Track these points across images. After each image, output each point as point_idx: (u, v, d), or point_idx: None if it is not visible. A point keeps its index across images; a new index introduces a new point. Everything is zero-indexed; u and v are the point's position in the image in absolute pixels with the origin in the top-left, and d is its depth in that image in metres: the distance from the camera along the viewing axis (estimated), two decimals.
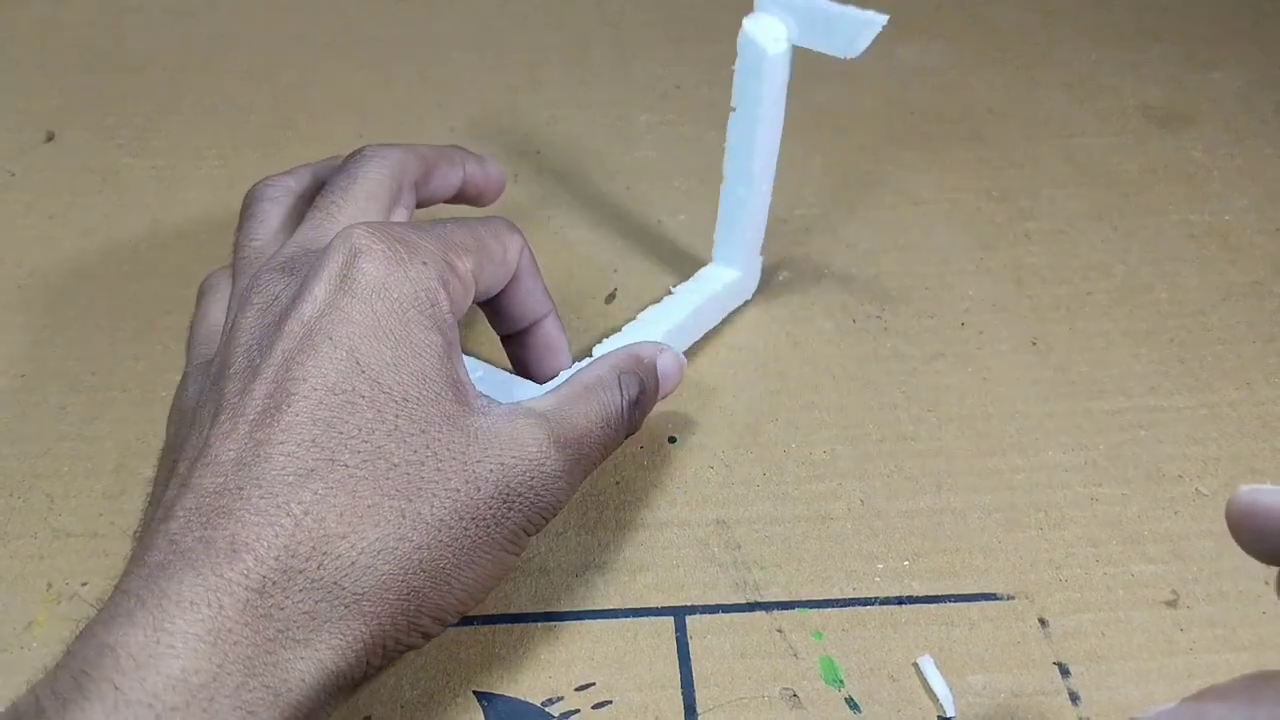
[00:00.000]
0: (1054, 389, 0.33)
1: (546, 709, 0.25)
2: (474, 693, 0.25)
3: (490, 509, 0.22)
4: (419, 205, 0.30)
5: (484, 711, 0.25)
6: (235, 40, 0.52)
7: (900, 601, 0.27)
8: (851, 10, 0.26)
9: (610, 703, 0.25)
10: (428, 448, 0.21)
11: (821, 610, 0.27)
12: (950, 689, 0.25)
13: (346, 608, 0.20)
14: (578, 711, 0.25)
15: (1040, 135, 0.45)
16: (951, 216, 0.40)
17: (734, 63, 0.30)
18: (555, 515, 0.23)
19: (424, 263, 0.23)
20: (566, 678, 0.25)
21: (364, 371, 0.21)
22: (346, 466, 0.20)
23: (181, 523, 0.20)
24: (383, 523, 0.20)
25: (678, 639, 0.26)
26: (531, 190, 0.42)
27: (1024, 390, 0.33)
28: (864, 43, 0.23)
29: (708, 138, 0.45)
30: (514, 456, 0.22)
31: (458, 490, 0.21)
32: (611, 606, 0.27)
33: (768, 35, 0.28)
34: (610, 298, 0.36)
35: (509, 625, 0.26)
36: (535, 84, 0.49)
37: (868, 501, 0.30)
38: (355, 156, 0.27)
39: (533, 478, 0.22)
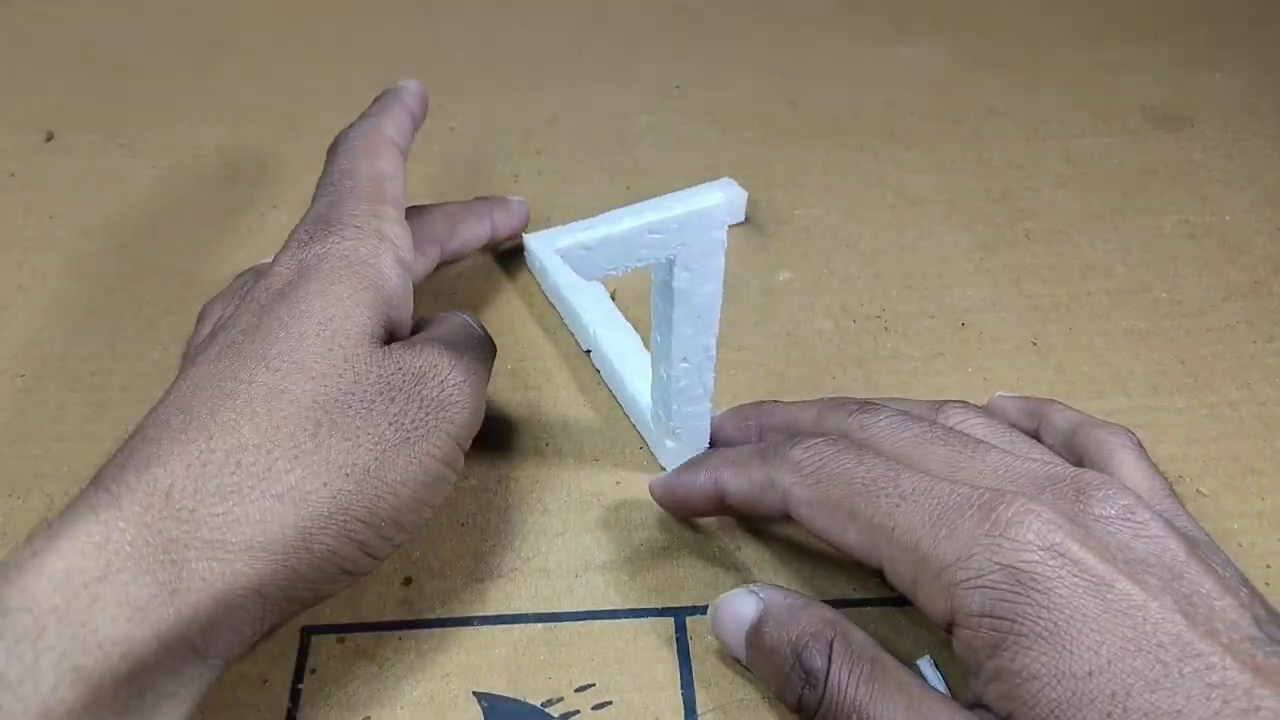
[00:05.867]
0: (1054, 389, 0.33)
1: (546, 709, 0.25)
2: (474, 693, 0.25)
3: (407, 414, 0.23)
4: (446, 259, 0.34)
5: (484, 712, 0.25)
6: (235, 40, 0.52)
7: (900, 602, 0.27)
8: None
9: (610, 703, 0.25)
10: (345, 361, 0.23)
11: None
12: (950, 689, 0.25)
13: (262, 510, 0.20)
14: (578, 712, 0.25)
15: (1040, 135, 0.45)
16: (951, 216, 0.41)
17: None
18: (474, 423, 0.25)
19: (356, 230, 0.26)
20: (566, 678, 0.25)
21: (293, 305, 0.24)
22: (265, 385, 0.22)
23: (109, 465, 0.21)
24: (298, 431, 0.22)
25: (677, 639, 0.26)
26: (532, 190, 0.42)
27: (1024, 390, 0.33)
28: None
29: (708, 138, 0.45)
30: (421, 365, 0.24)
31: (373, 401, 0.23)
32: (611, 606, 0.27)
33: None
34: (610, 297, 0.36)
35: (509, 625, 0.26)
36: (535, 84, 0.49)
37: None
38: None
39: (441, 382, 0.24)
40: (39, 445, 0.31)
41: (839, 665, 0.22)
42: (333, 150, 0.30)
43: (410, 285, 0.27)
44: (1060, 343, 0.35)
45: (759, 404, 0.30)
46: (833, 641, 0.22)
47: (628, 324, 0.33)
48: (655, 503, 0.28)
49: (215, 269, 0.37)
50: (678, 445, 0.29)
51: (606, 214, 0.37)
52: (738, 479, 0.26)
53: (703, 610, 0.27)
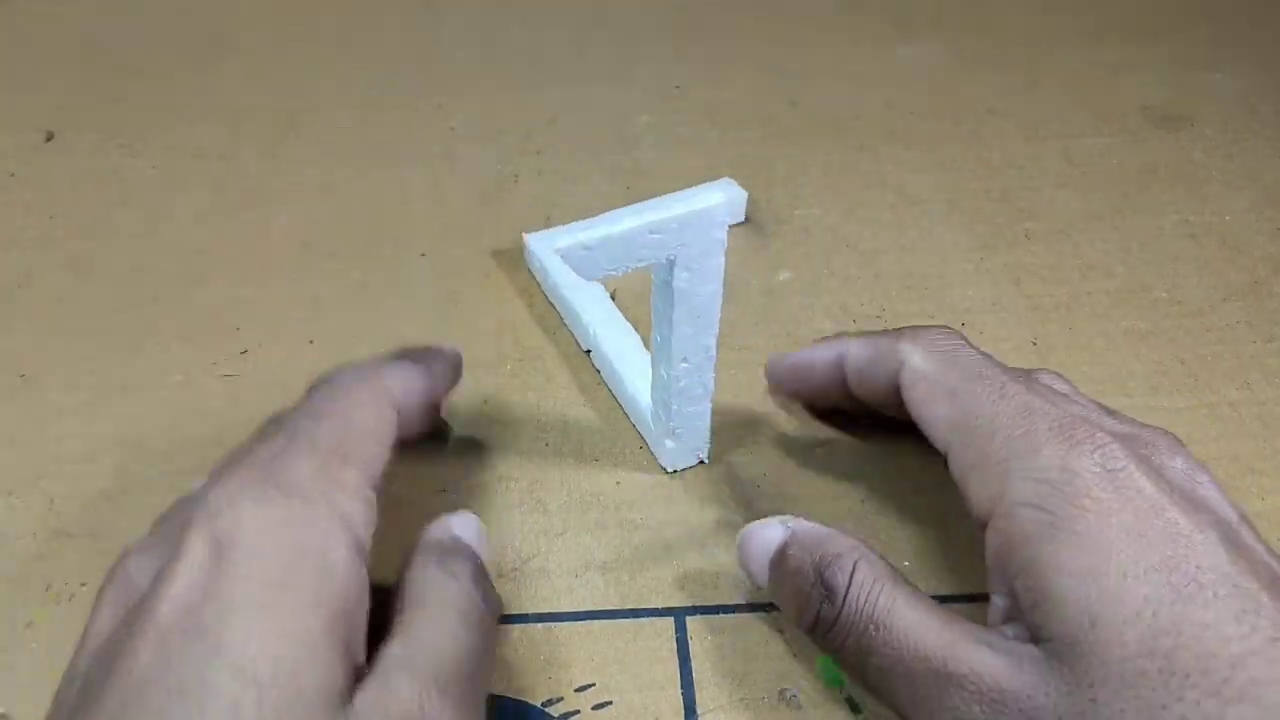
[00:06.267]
0: None
1: (546, 709, 0.25)
2: None
3: None
4: None
5: (484, 712, 0.25)
6: (235, 40, 0.52)
7: None
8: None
9: (610, 703, 0.25)
10: None
11: None
12: None
13: None
14: (578, 712, 0.25)
15: (1040, 135, 0.45)
16: (951, 216, 0.41)
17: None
18: None
19: (303, 500, 0.20)
20: (566, 678, 0.25)
21: (222, 649, 0.17)
22: None
23: None
24: None
25: (677, 639, 0.26)
26: (532, 190, 0.42)
27: None
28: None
29: (708, 138, 0.45)
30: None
31: None
32: (611, 606, 0.27)
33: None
34: (610, 297, 0.36)
35: (509, 625, 0.26)
36: (535, 84, 0.49)
37: (868, 501, 0.30)
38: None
39: None
40: (39, 445, 0.31)
41: (860, 580, 0.22)
42: (312, 387, 0.24)
43: (366, 576, 0.20)
44: (1060, 343, 0.35)
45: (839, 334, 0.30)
46: (857, 562, 0.23)
47: (628, 324, 0.33)
48: (767, 377, 0.30)
49: (215, 269, 0.37)
50: (678, 445, 0.29)
51: (606, 214, 0.37)
52: (863, 346, 0.27)
53: (703, 610, 0.27)
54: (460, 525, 0.24)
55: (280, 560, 0.19)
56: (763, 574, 0.25)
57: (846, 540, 0.24)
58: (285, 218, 0.40)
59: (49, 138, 0.44)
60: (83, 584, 0.27)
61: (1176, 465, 0.22)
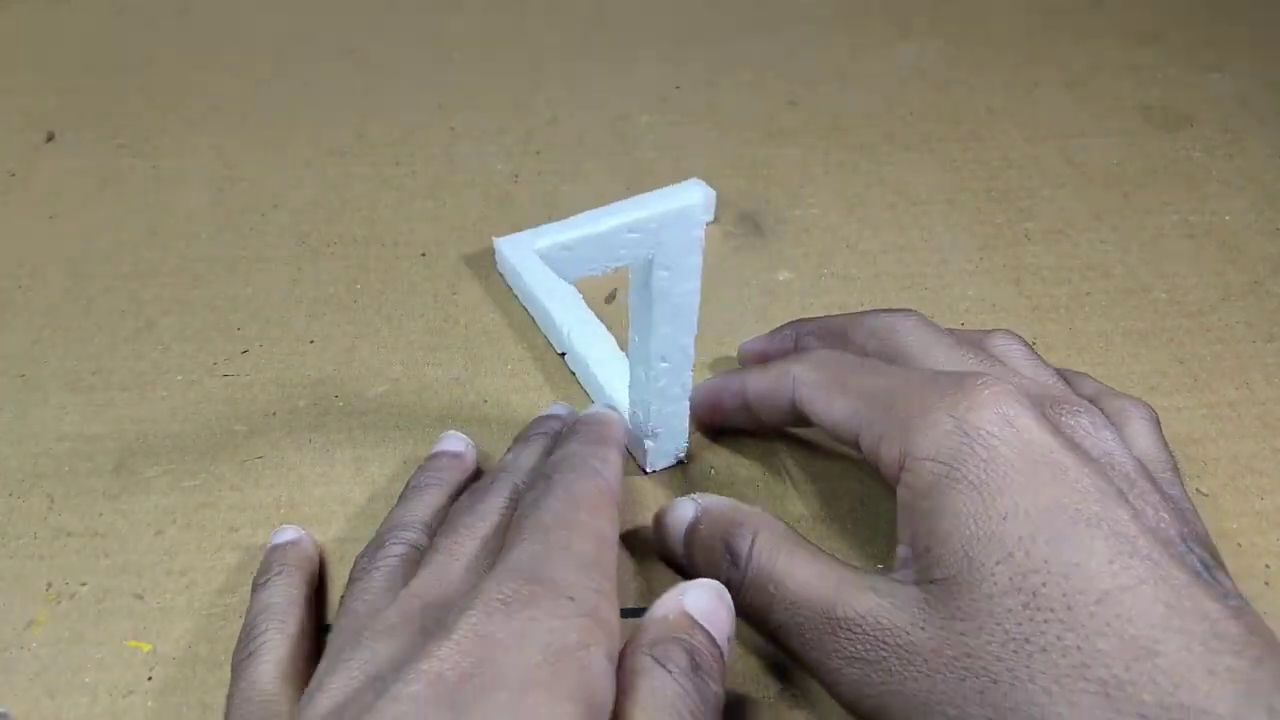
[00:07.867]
0: None
1: None
2: None
3: None
4: None
5: None
6: (235, 40, 0.52)
7: None
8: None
9: None
10: None
11: None
12: None
13: None
14: None
15: (1040, 135, 0.45)
16: (951, 216, 0.41)
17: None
18: None
19: (569, 600, 0.20)
20: None
21: None
22: None
23: None
24: None
25: None
26: (532, 190, 0.42)
27: None
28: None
29: (708, 138, 0.45)
30: None
31: None
32: None
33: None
34: (610, 298, 0.36)
35: None
36: (535, 84, 0.49)
37: (868, 502, 0.30)
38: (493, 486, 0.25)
39: None
40: (39, 445, 0.31)
41: (761, 545, 0.24)
42: (547, 485, 0.23)
43: (614, 684, 0.20)
44: (1060, 343, 0.35)
45: (792, 321, 0.32)
46: (758, 530, 0.24)
47: (602, 326, 0.33)
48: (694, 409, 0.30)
49: (215, 269, 0.37)
50: (656, 445, 0.29)
51: (583, 214, 0.37)
52: (759, 379, 0.28)
53: None
54: (694, 599, 0.22)
55: (545, 657, 0.18)
56: (679, 548, 0.26)
57: (750, 509, 0.25)
58: (285, 217, 0.40)
59: (49, 138, 0.44)
60: (83, 583, 0.27)
61: (1082, 423, 0.23)
